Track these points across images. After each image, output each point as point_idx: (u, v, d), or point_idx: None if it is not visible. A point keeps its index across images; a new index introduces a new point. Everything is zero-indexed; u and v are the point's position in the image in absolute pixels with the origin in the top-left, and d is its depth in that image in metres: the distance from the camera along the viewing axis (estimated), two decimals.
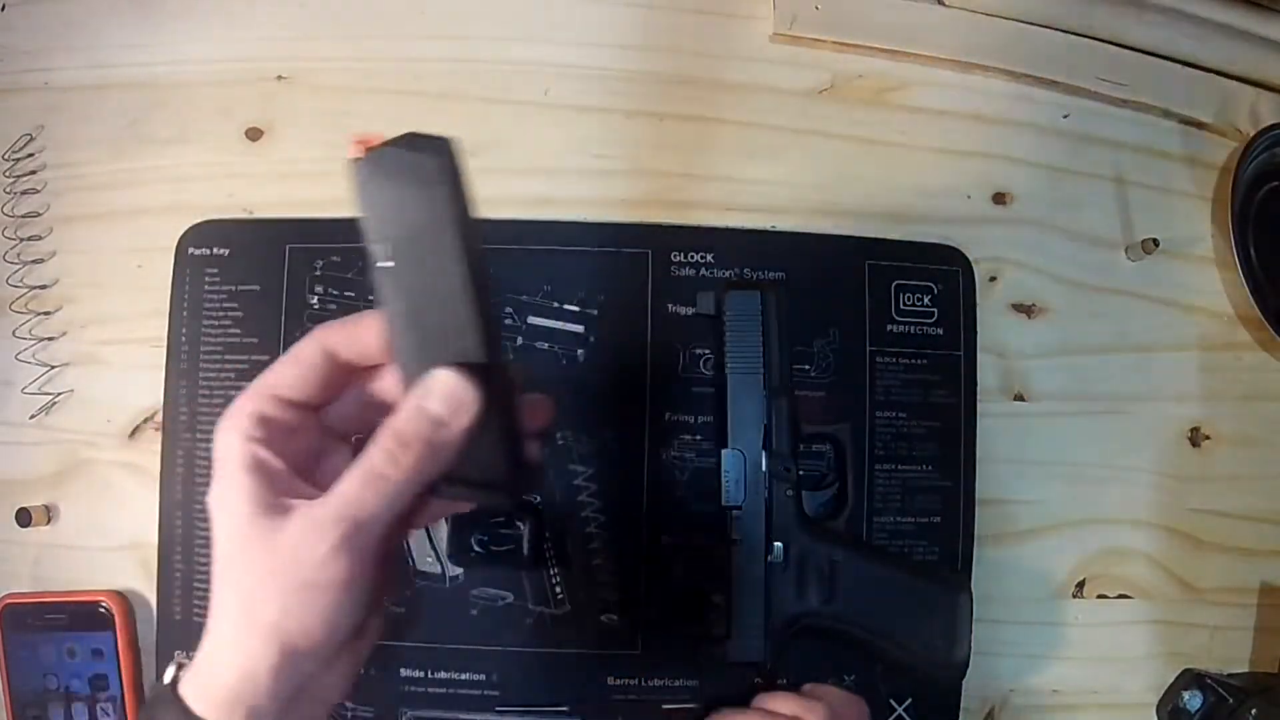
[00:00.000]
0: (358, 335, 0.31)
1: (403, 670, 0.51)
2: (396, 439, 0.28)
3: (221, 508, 0.29)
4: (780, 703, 0.48)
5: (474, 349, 0.28)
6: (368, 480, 0.28)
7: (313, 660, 0.28)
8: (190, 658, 0.29)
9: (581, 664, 0.52)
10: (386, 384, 0.32)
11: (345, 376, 0.32)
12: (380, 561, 0.29)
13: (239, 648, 0.28)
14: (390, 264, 0.27)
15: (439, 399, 0.28)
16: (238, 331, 0.53)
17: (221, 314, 0.53)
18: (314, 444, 0.32)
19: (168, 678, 0.29)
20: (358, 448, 0.29)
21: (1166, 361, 0.58)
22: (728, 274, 0.54)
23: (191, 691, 0.28)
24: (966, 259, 0.56)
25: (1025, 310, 0.57)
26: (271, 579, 0.27)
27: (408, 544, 0.52)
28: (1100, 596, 0.56)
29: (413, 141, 0.27)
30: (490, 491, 0.31)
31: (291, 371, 0.30)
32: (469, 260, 0.27)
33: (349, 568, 0.28)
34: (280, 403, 0.30)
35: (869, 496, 0.54)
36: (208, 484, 0.30)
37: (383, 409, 0.30)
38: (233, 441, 0.29)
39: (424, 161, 0.26)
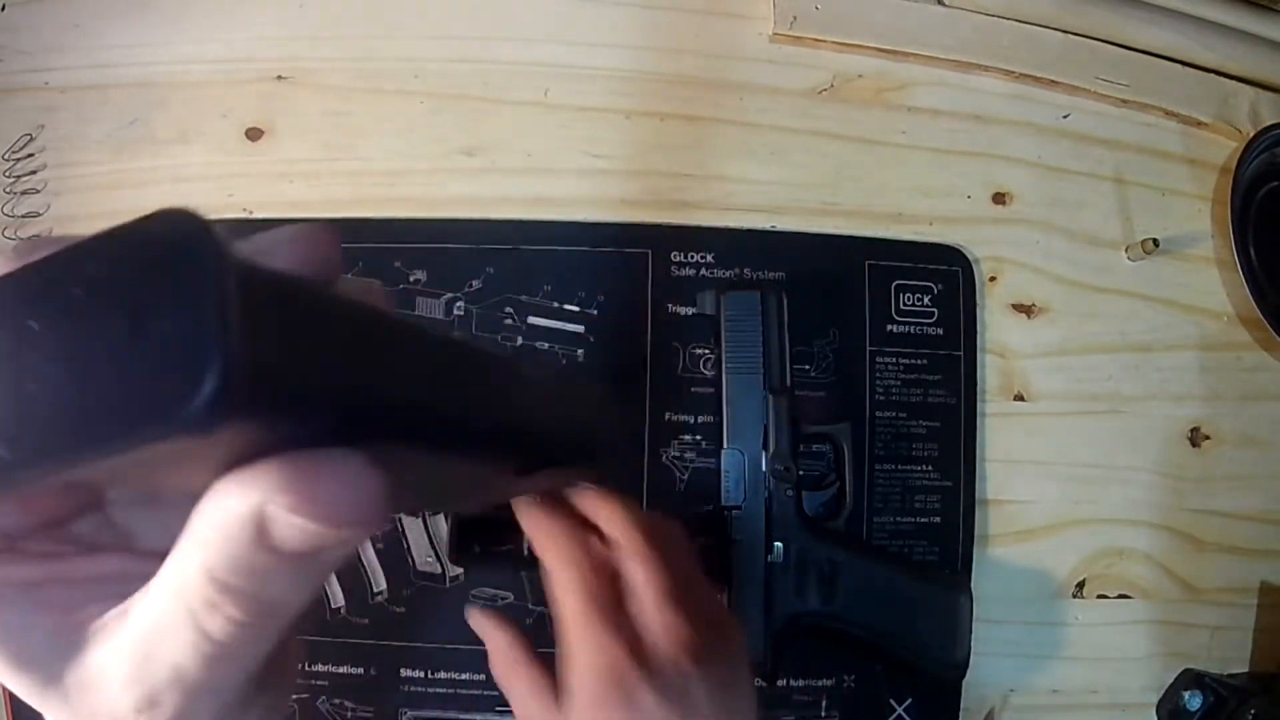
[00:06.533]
0: None
1: (403, 670, 0.51)
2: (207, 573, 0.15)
3: None
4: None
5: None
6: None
7: None
8: None
9: None
10: None
11: None
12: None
13: None
14: None
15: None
16: None
17: None
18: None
19: None
20: None
21: (1166, 361, 0.58)
22: (728, 274, 0.54)
23: None
24: (966, 259, 0.56)
25: (1025, 310, 0.57)
26: None
27: (407, 543, 0.52)
28: (1100, 596, 0.56)
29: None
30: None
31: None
32: None
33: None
34: None
35: (869, 496, 0.54)
36: None
37: None
38: None
39: None
